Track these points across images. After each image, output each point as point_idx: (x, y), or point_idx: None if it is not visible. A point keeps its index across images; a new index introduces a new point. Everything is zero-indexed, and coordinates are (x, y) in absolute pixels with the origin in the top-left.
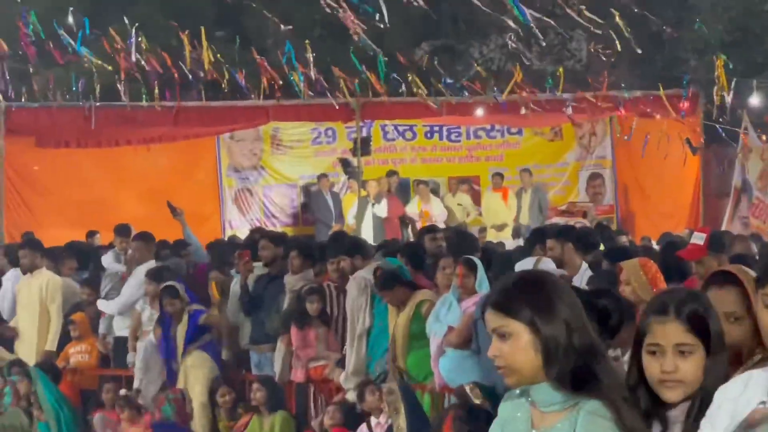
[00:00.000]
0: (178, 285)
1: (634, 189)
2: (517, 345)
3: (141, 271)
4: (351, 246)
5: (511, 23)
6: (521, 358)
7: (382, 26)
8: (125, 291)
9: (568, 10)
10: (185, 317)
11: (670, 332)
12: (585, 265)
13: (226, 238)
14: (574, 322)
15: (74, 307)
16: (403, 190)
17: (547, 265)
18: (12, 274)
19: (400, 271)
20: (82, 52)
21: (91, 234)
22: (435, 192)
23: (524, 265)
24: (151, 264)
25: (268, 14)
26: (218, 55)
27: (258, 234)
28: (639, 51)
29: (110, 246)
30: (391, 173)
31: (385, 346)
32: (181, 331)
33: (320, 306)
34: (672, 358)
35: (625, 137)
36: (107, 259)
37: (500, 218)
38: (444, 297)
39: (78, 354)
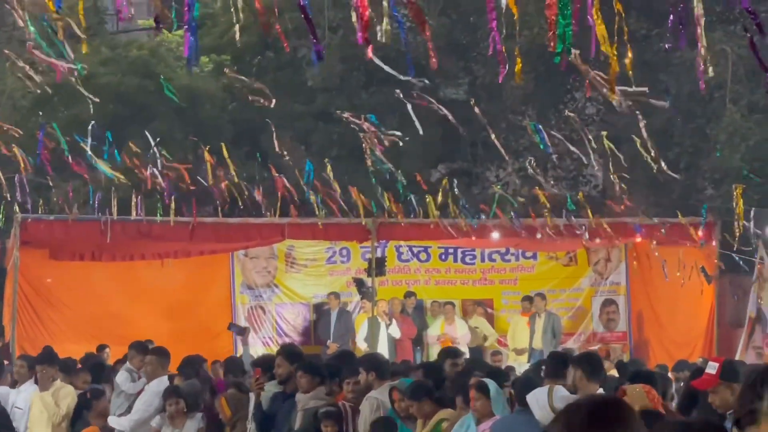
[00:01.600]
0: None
1: (649, 316)
2: None
3: (153, 386)
4: (368, 362)
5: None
6: None
7: (401, 143)
8: (137, 407)
9: (586, 136)
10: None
11: None
12: (600, 391)
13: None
14: None
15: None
16: (417, 312)
17: (561, 392)
18: (26, 386)
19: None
20: (100, 166)
21: (100, 348)
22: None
23: (538, 393)
24: (164, 380)
25: (286, 134)
26: (235, 172)
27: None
28: (657, 179)
29: (124, 360)
30: (409, 294)
31: None
32: None
33: (336, 430)
34: None
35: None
36: (121, 377)
37: (524, 342)
38: (462, 419)
39: None
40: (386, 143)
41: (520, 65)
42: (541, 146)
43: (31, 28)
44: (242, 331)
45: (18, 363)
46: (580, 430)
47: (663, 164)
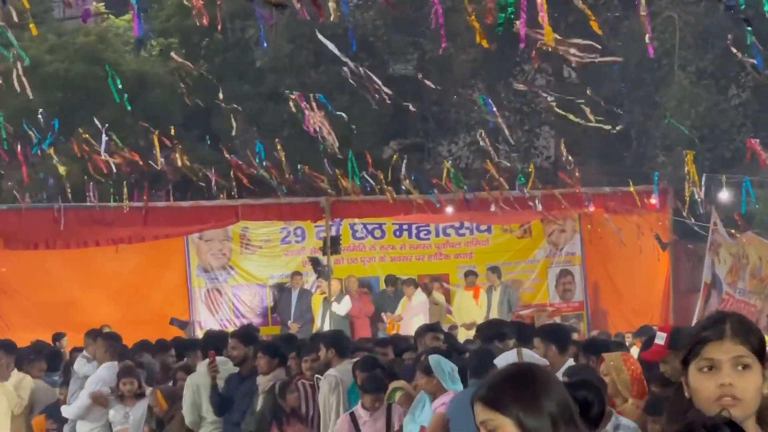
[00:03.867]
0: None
1: (606, 286)
2: None
3: (100, 371)
4: (329, 338)
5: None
6: None
7: (351, 122)
8: (83, 394)
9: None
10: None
11: (727, 348)
12: (570, 361)
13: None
14: (561, 416)
15: (47, 408)
16: (373, 289)
17: (532, 356)
18: None
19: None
20: (50, 153)
21: (57, 336)
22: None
23: (506, 357)
24: (114, 365)
25: (236, 115)
26: (187, 156)
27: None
28: (607, 147)
29: (81, 348)
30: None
31: None
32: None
33: (295, 401)
34: (729, 373)
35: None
36: (79, 363)
37: (471, 317)
38: (419, 396)
39: None
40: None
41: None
42: (490, 120)
43: None
44: (184, 325)
45: None
46: (493, 387)
47: (611, 129)
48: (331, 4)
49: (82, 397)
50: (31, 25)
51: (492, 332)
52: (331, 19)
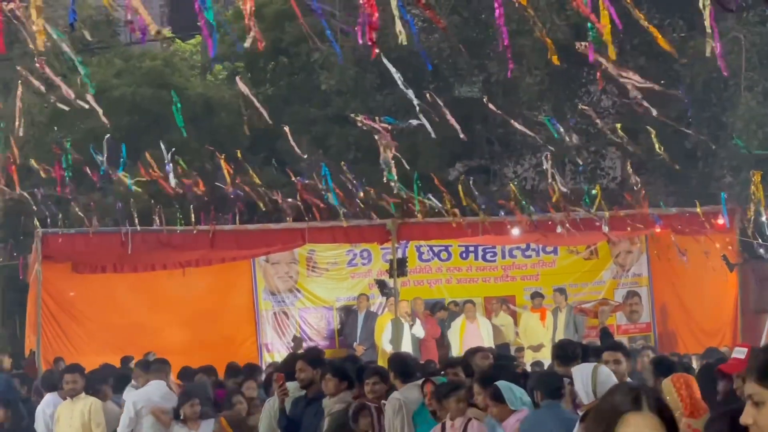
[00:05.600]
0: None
1: (674, 307)
2: None
3: (142, 389)
4: (392, 363)
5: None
6: None
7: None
8: (124, 412)
9: (603, 129)
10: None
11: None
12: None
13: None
14: None
15: None
16: (443, 307)
17: (604, 374)
18: (48, 399)
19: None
20: (120, 177)
21: (126, 360)
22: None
23: (582, 369)
24: (158, 384)
25: (302, 138)
26: (254, 178)
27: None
28: (675, 168)
29: None
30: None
31: None
32: None
33: (367, 425)
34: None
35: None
36: (128, 394)
37: (538, 339)
38: (487, 419)
39: None
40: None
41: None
42: (556, 137)
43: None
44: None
45: (68, 377)
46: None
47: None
48: (399, 29)
49: (125, 412)
50: (95, 57)
51: (568, 353)
52: (399, 42)
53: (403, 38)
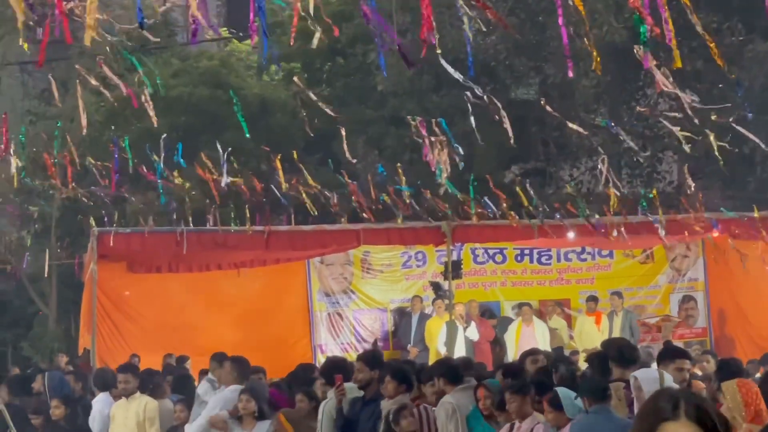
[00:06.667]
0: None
1: (732, 312)
2: None
3: (223, 392)
4: (438, 368)
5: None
6: None
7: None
8: (203, 414)
9: (660, 131)
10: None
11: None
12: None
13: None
14: None
15: (170, 430)
16: (492, 314)
17: (670, 380)
18: (102, 398)
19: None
20: (176, 176)
21: (181, 359)
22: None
23: (648, 373)
24: (238, 389)
25: (358, 139)
26: (310, 178)
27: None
28: (733, 172)
29: (206, 371)
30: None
31: None
32: None
33: (410, 425)
34: None
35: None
36: (203, 387)
37: (593, 342)
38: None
39: None
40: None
41: (597, 59)
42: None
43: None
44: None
45: (121, 377)
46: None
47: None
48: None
49: (202, 418)
50: (154, 58)
51: (626, 356)
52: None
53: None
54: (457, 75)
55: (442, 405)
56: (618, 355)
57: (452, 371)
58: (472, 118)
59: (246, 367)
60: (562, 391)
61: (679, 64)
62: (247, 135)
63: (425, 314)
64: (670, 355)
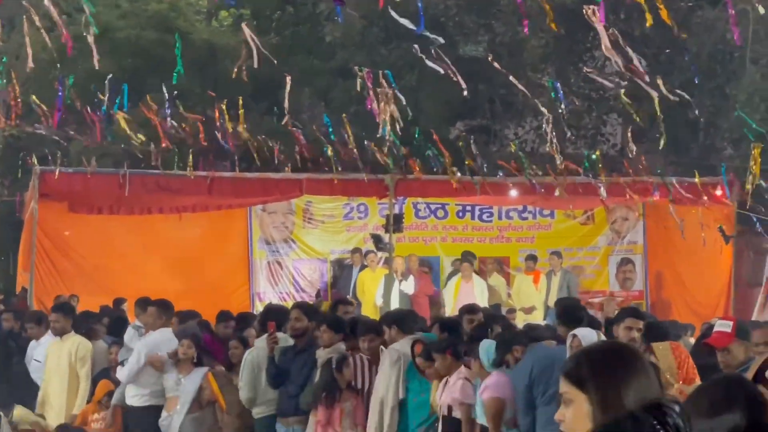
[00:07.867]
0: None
1: (669, 276)
2: (578, 413)
3: (153, 336)
4: (390, 318)
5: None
6: (579, 426)
7: (419, 99)
8: (132, 359)
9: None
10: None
11: None
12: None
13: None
14: (635, 404)
15: (102, 372)
16: (433, 269)
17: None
18: (46, 339)
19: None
20: (117, 118)
21: (119, 301)
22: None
23: (586, 333)
24: (165, 331)
25: (305, 89)
26: (251, 126)
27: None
28: (676, 137)
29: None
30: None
31: (419, 421)
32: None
33: (350, 375)
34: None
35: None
36: (128, 334)
37: (530, 301)
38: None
39: (98, 422)
40: (403, 101)
41: (551, 13)
42: (558, 102)
43: None
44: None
45: (53, 316)
46: (576, 362)
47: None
48: None
49: (134, 359)
50: None
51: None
52: None
53: None
54: (410, 25)
55: (389, 351)
56: (563, 313)
57: (406, 320)
58: (417, 72)
59: (170, 309)
60: (484, 344)
61: None
62: (186, 78)
63: (365, 267)
64: (622, 313)
